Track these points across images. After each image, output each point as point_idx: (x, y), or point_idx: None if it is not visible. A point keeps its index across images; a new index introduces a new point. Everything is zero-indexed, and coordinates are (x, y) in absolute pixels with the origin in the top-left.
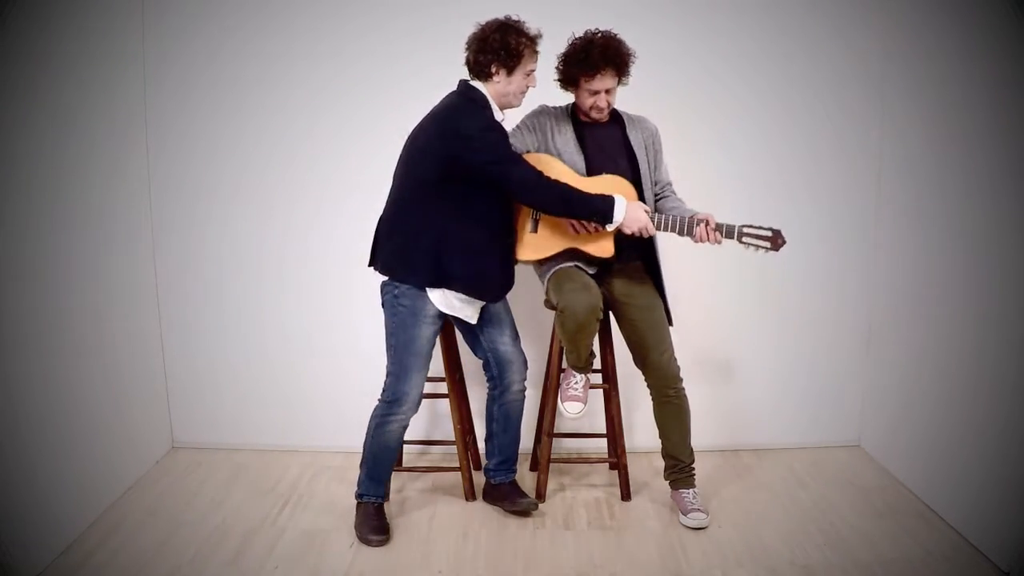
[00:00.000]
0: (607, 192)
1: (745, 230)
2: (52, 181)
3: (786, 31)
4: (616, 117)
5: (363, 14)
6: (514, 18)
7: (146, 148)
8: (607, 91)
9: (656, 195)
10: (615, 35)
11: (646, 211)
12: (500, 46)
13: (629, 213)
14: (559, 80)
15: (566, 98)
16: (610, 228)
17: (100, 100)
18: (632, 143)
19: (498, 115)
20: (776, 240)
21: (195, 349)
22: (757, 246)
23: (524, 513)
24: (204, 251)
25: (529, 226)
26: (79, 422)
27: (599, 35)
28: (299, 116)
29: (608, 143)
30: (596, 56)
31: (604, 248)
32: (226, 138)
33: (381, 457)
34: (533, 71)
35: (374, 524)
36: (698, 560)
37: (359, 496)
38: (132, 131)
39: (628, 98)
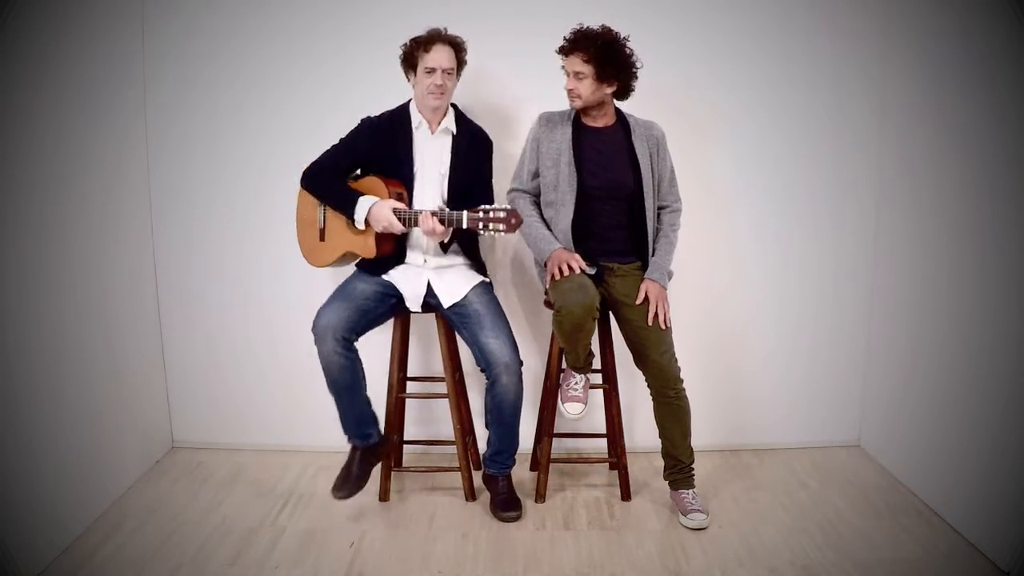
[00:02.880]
0: (361, 190)
1: (473, 215)
2: (52, 181)
3: (786, 31)
4: (622, 122)
5: (363, 14)
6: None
7: (146, 148)
8: (576, 74)
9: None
10: (606, 29)
11: (395, 209)
12: (401, 58)
13: (373, 211)
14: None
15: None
16: (358, 225)
17: (100, 100)
18: (636, 149)
19: (415, 118)
20: (510, 220)
21: (195, 349)
22: (489, 230)
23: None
24: (204, 251)
25: (318, 236)
26: (79, 422)
27: (587, 26)
28: (299, 116)
29: (608, 151)
30: (567, 39)
31: (366, 247)
32: (226, 137)
33: (333, 390)
34: (433, 69)
35: (345, 473)
36: (698, 560)
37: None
38: (132, 131)
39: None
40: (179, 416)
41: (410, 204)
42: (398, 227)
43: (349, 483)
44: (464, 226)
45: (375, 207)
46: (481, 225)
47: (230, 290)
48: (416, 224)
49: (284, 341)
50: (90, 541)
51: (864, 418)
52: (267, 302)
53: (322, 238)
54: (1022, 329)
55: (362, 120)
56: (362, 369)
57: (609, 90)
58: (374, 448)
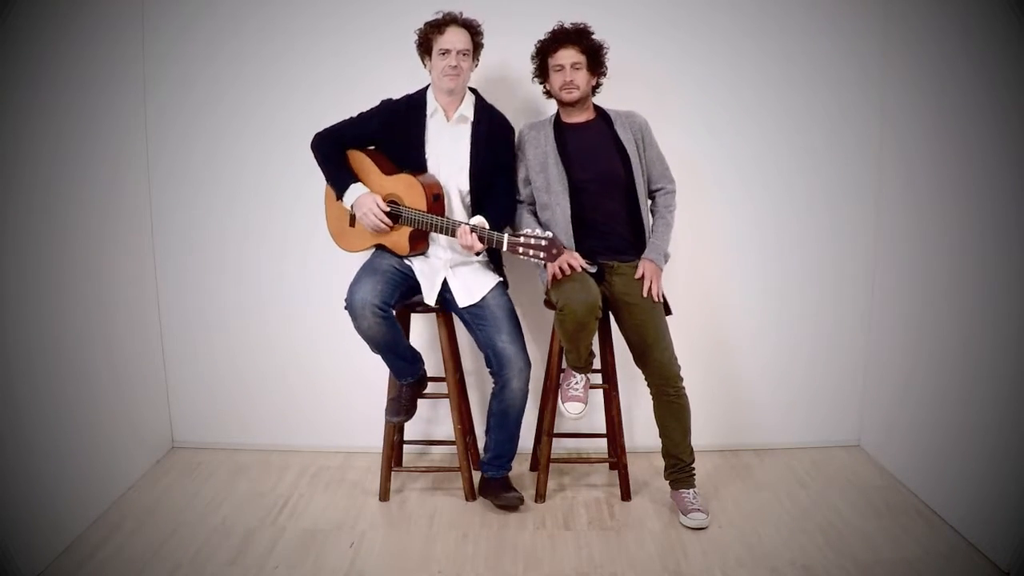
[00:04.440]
0: (396, 190)
1: (514, 239)
2: (52, 180)
3: (786, 31)
4: (603, 115)
5: (364, 14)
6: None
7: (146, 148)
8: (573, 65)
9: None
10: (584, 24)
11: (430, 213)
12: (417, 44)
13: (359, 201)
14: (535, 74)
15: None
16: (346, 207)
17: (100, 100)
18: (622, 140)
19: (431, 105)
20: (551, 250)
21: (195, 349)
22: (529, 256)
23: (510, 508)
24: (204, 251)
25: (348, 221)
26: (79, 422)
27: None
28: (299, 116)
29: (594, 143)
30: (557, 32)
31: (399, 244)
32: (226, 137)
33: (379, 351)
34: (447, 51)
35: (396, 404)
36: (698, 560)
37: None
38: (132, 131)
39: (628, 99)
40: (179, 416)
41: (444, 209)
42: (375, 222)
43: (402, 410)
44: (504, 249)
45: (363, 196)
46: (521, 251)
47: (230, 290)
48: (451, 234)
49: (284, 341)
50: (90, 541)
51: (864, 418)
52: (267, 302)
53: (352, 223)
54: (1022, 329)
55: (382, 101)
56: (397, 323)
57: (594, 82)
58: (421, 379)
